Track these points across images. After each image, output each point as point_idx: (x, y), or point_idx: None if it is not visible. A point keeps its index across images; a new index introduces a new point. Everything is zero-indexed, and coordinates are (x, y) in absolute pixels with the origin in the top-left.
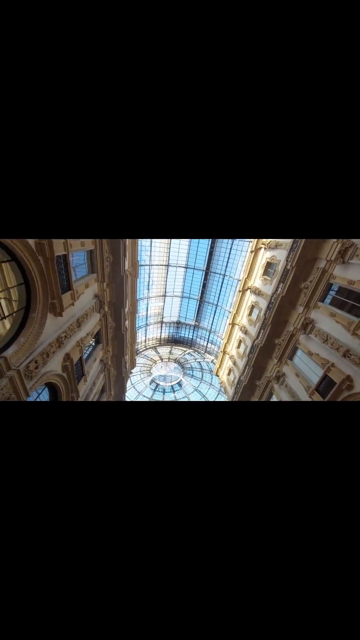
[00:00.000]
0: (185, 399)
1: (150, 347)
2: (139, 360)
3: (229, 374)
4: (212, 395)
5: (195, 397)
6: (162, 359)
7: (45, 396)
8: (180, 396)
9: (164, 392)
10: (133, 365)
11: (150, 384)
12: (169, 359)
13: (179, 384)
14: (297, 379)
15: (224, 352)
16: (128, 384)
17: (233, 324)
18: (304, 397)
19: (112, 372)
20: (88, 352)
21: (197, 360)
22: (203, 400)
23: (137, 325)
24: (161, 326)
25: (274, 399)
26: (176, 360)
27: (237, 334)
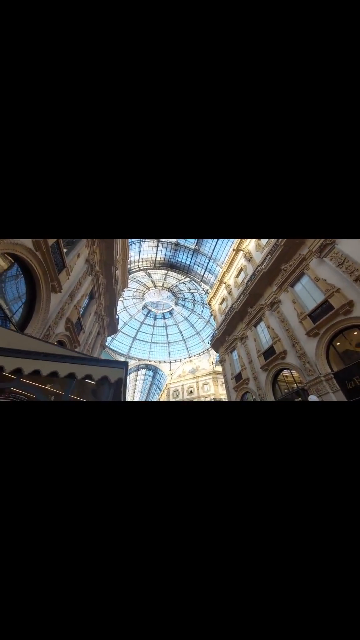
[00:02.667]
0: (175, 327)
1: (143, 269)
2: (132, 284)
3: (221, 303)
4: (200, 326)
5: (184, 326)
6: (155, 286)
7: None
8: (170, 323)
9: (155, 317)
10: (125, 284)
11: (142, 309)
12: (162, 286)
13: (170, 312)
14: (293, 306)
15: (221, 281)
16: (120, 306)
17: (237, 250)
18: (294, 322)
19: (105, 320)
20: (84, 309)
21: (190, 291)
22: (190, 328)
23: (129, 241)
24: (157, 246)
25: (261, 325)
26: (170, 289)
27: (240, 261)
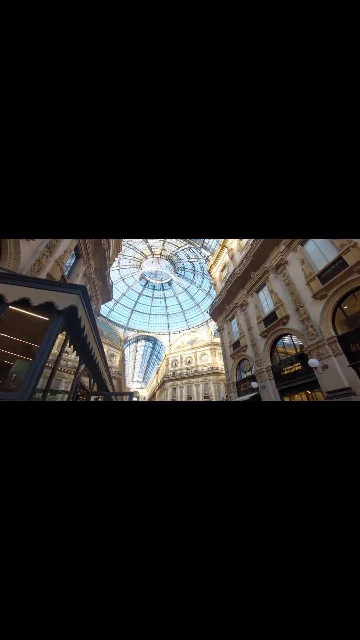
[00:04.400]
0: (174, 298)
1: None
2: (128, 252)
3: (222, 270)
4: (199, 297)
5: (183, 298)
6: (153, 254)
7: None
8: (169, 295)
9: (153, 288)
10: (119, 248)
11: (140, 279)
12: (160, 254)
13: (169, 283)
14: (301, 266)
15: (223, 246)
16: (117, 276)
17: None
18: (300, 285)
19: (97, 284)
20: (69, 268)
21: (190, 260)
22: (190, 300)
23: None
24: None
25: (264, 291)
26: (168, 258)
27: None
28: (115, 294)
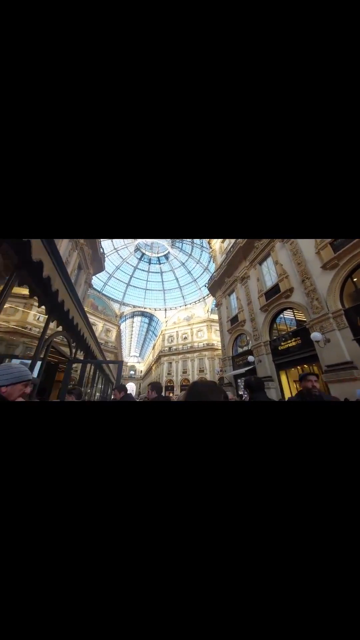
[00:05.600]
0: (171, 273)
1: None
2: None
3: (223, 241)
4: (197, 272)
5: (180, 273)
6: None
7: None
8: (166, 269)
9: (149, 262)
10: None
11: (135, 251)
12: None
13: (166, 256)
14: None
15: None
16: (110, 247)
17: None
18: (309, 254)
19: (86, 251)
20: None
21: None
22: (187, 275)
23: None
24: None
25: (268, 262)
26: None
27: None
28: (109, 267)
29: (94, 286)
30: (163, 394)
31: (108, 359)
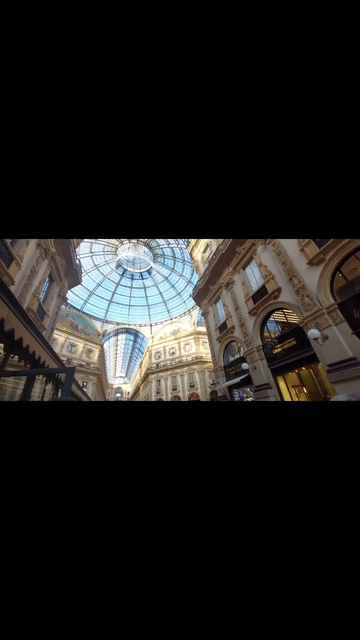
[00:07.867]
0: (154, 288)
1: None
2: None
3: (204, 251)
4: (181, 286)
5: (164, 287)
6: (130, 239)
7: None
8: (149, 284)
9: (132, 277)
10: None
11: (116, 268)
12: (137, 240)
13: (149, 271)
14: None
15: None
16: (90, 263)
17: None
18: (293, 253)
19: (58, 261)
20: (44, 293)
21: (170, 246)
22: (171, 289)
23: None
24: None
25: (251, 265)
26: (146, 244)
27: None
28: (90, 284)
29: (73, 304)
30: None
31: (89, 381)
